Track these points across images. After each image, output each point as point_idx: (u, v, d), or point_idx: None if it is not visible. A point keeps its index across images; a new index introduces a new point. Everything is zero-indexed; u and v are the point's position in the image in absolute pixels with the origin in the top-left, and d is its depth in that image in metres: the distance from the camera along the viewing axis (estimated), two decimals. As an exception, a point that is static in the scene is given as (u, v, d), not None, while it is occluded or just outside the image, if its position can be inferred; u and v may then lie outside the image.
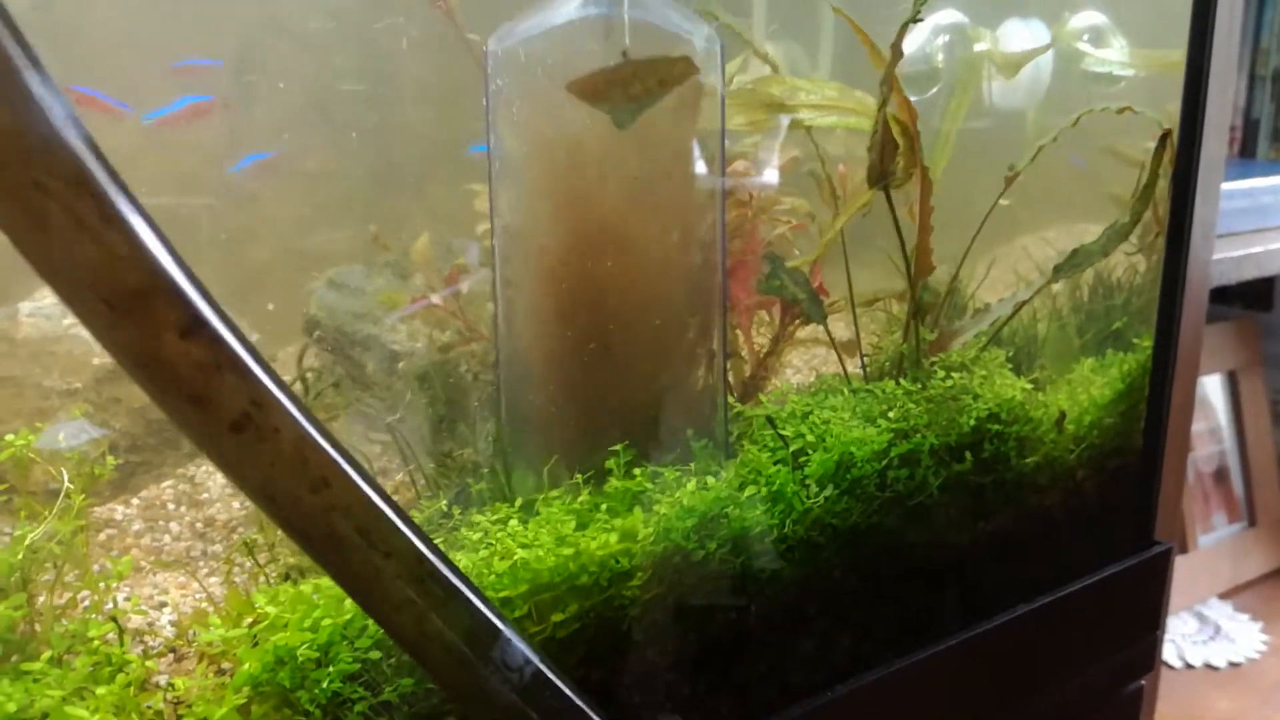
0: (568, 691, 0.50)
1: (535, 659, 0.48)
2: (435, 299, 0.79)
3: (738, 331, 0.85)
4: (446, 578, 0.45)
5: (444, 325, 0.82)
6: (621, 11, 0.64)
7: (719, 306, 0.74)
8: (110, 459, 0.63)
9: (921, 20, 0.70)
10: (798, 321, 0.86)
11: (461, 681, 0.47)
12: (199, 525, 0.76)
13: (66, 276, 0.34)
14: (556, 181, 0.68)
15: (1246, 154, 1.76)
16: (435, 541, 0.62)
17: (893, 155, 0.75)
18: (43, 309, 0.79)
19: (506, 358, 0.72)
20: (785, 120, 0.81)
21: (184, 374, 0.36)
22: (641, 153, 0.68)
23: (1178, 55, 0.93)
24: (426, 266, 0.79)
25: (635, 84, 0.62)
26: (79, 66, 0.67)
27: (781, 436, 0.73)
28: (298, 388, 0.77)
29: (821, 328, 0.84)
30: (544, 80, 0.66)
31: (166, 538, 0.74)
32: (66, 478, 0.60)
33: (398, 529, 0.43)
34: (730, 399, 0.77)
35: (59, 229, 0.32)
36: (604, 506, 0.65)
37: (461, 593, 0.46)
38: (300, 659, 0.54)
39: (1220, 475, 1.68)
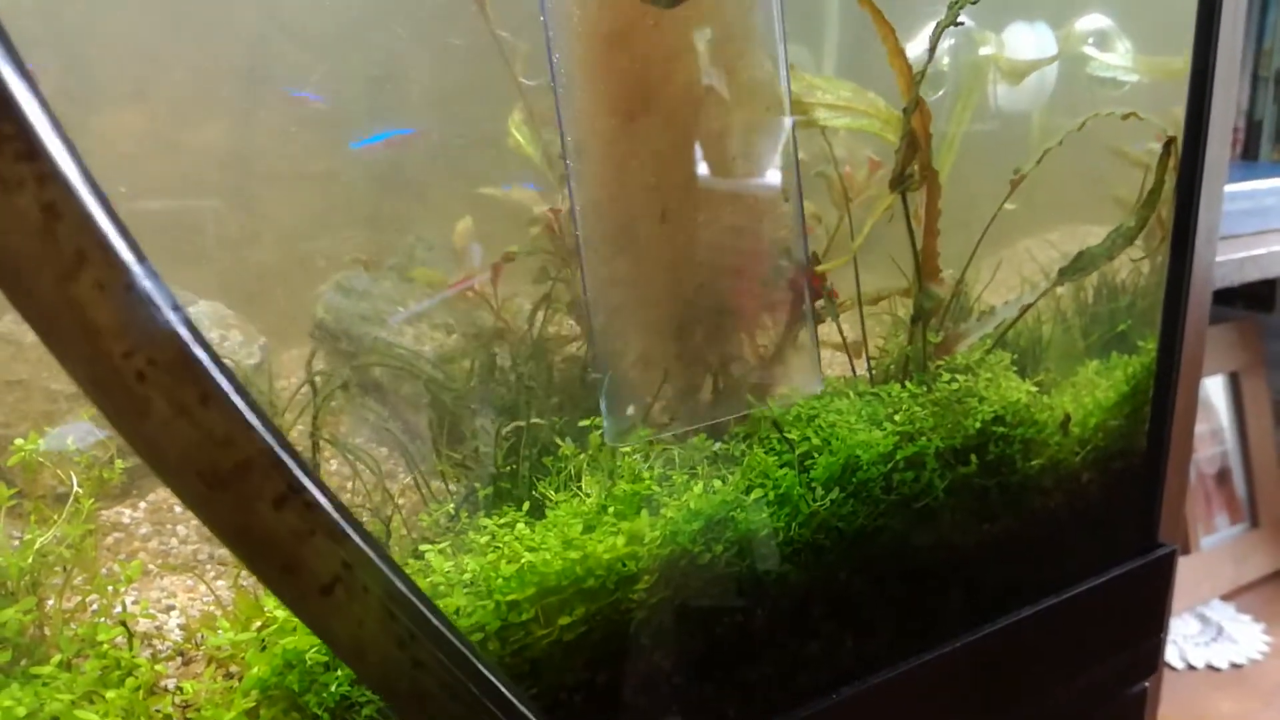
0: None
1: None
2: (475, 283, 0.80)
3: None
4: (527, 716, 0.45)
5: (458, 323, 0.83)
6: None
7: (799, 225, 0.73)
8: (118, 462, 0.63)
9: (961, 24, 0.69)
10: (805, 324, 0.86)
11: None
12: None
13: (166, 457, 0.34)
14: (620, 85, 0.66)
15: (1249, 155, 1.75)
16: (443, 542, 0.62)
17: (912, 159, 0.75)
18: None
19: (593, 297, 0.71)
20: (789, 120, 0.80)
21: (278, 543, 0.36)
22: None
23: (1181, 62, 0.93)
24: (466, 252, 0.80)
25: None
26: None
27: (787, 440, 0.73)
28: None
29: (827, 330, 0.84)
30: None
31: (174, 541, 0.74)
32: (75, 481, 0.60)
33: (482, 676, 0.43)
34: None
35: (160, 416, 0.32)
36: (611, 510, 0.65)
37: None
38: (309, 662, 0.54)
39: (1222, 476, 1.68)
